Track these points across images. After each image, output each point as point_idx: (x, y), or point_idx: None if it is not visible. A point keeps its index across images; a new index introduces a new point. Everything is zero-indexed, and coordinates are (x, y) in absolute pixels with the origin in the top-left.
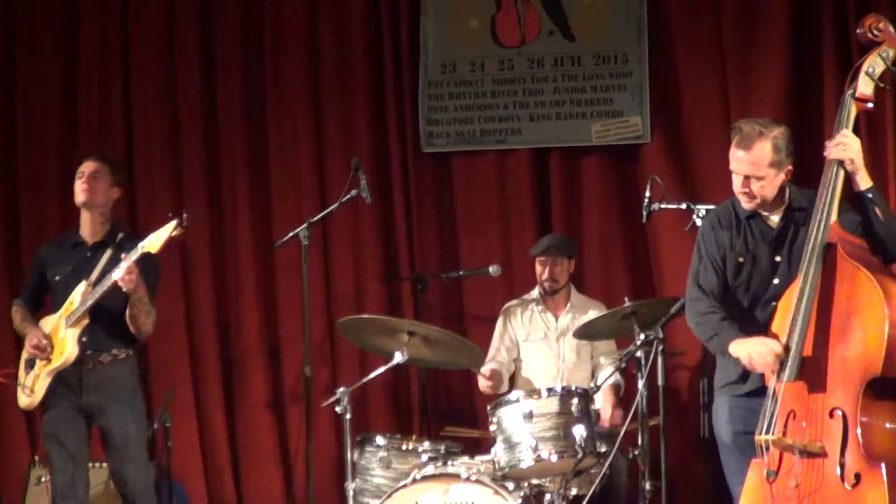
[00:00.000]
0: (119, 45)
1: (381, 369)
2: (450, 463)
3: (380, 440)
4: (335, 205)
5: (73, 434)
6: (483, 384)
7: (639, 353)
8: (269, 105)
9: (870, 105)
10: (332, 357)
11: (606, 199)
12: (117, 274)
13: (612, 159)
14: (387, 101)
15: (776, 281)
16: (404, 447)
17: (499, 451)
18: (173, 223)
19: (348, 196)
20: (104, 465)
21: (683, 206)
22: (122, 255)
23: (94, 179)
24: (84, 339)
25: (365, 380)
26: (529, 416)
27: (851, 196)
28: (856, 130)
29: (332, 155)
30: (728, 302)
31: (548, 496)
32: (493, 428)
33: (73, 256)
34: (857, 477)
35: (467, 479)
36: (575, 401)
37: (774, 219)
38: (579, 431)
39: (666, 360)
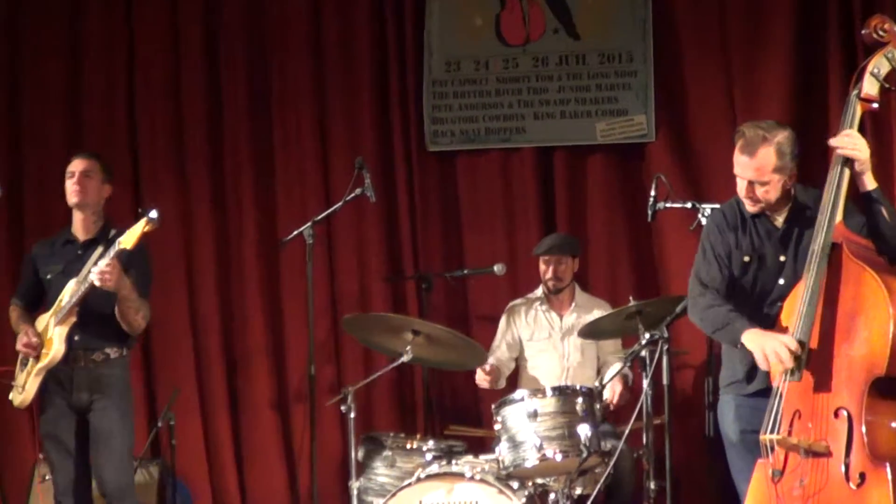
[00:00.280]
0: (123, 43)
1: (386, 368)
2: (454, 462)
3: (384, 439)
4: (340, 203)
5: (70, 432)
6: (480, 377)
7: (644, 353)
8: (273, 103)
9: (875, 105)
10: (337, 356)
11: (611, 198)
12: (93, 274)
13: (617, 158)
14: (391, 99)
15: (781, 281)
16: (408, 446)
17: (503, 450)
18: (144, 219)
19: (353, 195)
20: None
21: (688, 204)
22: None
23: (86, 178)
24: (76, 337)
25: (369, 378)
26: (534, 414)
27: (856, 197)
28: (861, 131)
29: (337, 153)
30: (733, 302)
31: (552, 495)
32: (497, 427)
33: (65, 254)
34: (862, 476)
35: (471, 479)
36: (579, 400)
37: (779, 219)
38: (584, 430)
39: (671, 360)
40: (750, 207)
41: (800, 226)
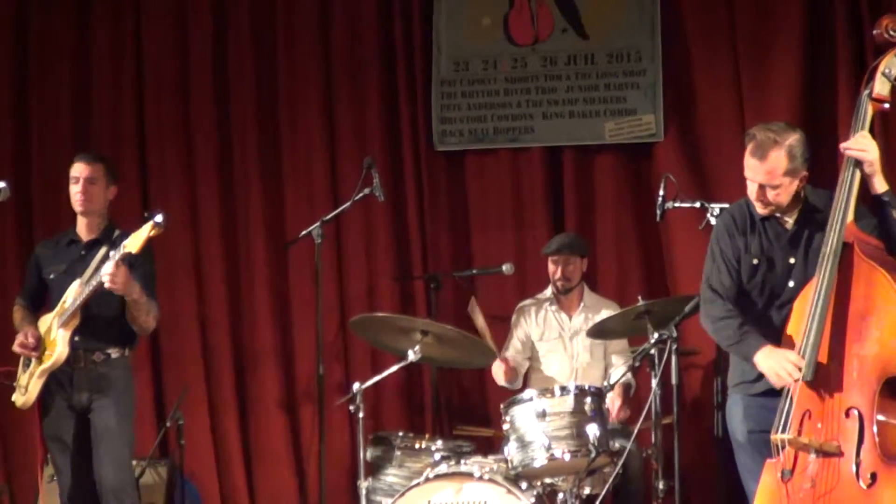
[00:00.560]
0: (131, 45)
1: (394, 368)
2: (463, 462)
3: (393, 439)
4: (348, 203)
5: (73, 433)
6: (498, 369)
7: (652, 352)
8: (281, 104)
9: (886, 105)
10: (345, 356)
11: (620, 198)
12: (104, 279)
13: (626, 158)
14: (400, 99)
15: (791, 283)
16: (417, 446)
17: (512, 450)
18: (150, 223)
19: (361, 194)
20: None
21: (697, 204)
22: (111, 254)
23: (91, 185)
24: (76, 338)
25: (378, 378)
26: (542, 414)
27: (867, 199)
28: (871, 131)
29: (346, 153)
30: (743, 304)
31: (561, 495)
32: (506, 427)
33: (68, 255)
34: (873, 476)
35: (480, 478)
36: (588, 400)
37: (789, 220)
38: (592, 430)
39: (679, 359)
40: (760, 210)
41: (810, 228)
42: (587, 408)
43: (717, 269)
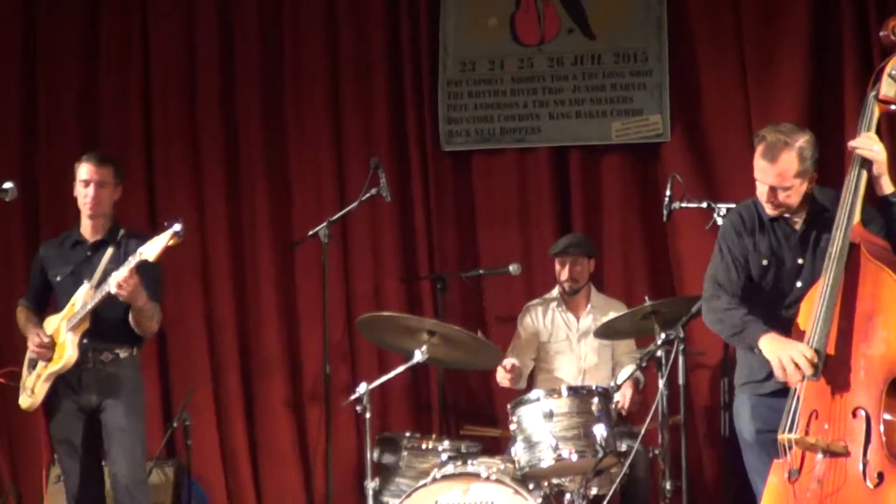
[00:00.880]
0: (138, 45)
1: (401, 368)
2: (469, 462)
3: (399, 439)
4: (355, 203)
5: (81, 435)
6: (502, 375)
7: (659, 353)
8: (288, 104)
9: (893, 107)
10: (352, 356)
11: (626, 198)
12: (112, 285)
13: (632, 158)
14: (406, 99)
15: (799, 284)
16: (424, 446)
17: (519, 451)
18: (171, 232)
19: (368, 195)
20: None
21: (704, 204)
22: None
23: (100, 189)
24: (85, 339)
25: (384, 378)
26: (550, 415)
27: (874, 200)
28: (877, 132)
29: (352, 154)
30: (751, 304)
31: (568, 496)
32: (513, 427)
33: (73, 256)
34: (880, 476)
35: (487, 479)
36: (595, 400)
37: (798, 220)
38: (600, 431)
39: (686, 360)
40: (770, 211)
41: (818, 228)
42: (594, 408)
43: (725, 266)
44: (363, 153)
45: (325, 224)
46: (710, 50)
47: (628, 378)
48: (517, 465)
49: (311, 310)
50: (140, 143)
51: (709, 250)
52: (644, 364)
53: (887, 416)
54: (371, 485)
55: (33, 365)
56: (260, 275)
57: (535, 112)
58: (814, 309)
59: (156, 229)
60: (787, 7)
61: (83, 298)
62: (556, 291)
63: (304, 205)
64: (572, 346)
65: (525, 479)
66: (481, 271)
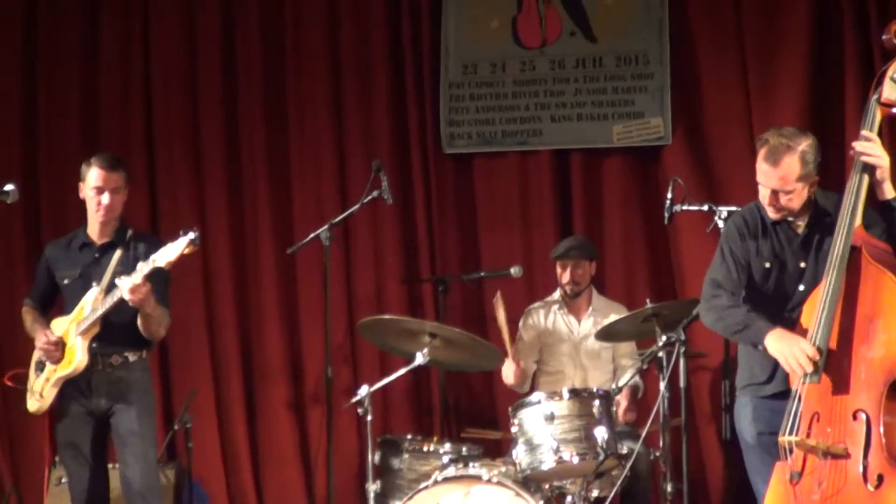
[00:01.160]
0: (140, 46)
1: (402, 370)
2: (471, 464)
3: (401, 441)
4: (356, 206)
5: (88, 439)
6: (508, 368)
7: (660, 355)
8: (290, 106)
9: (895, 110)
10: (353, 358)
11: (628, 201)
12: (124, 291)
13: (634, 161)
14: (408, 101)
15: (801, 287)
16: (425, 448)
17: (520, 453)
18: (186, 240)
19: (370, 197)
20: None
21: (705, 207)
22: (139, 265)
23: (114, 195)
24: (94, 343)
25: (386, 381)
26: (551, 417)
27: (876, 203)
28: (879, 135)
29: (354, 156)
30: (754, 308)
31: (569, 498)
32: (514, 429)
33: (81, 258)
34: (880, 478)
35: (488, 481)
36: (596, 402)
37: (800, 224)
38: (601, 433)
39: (687, 362)
40: (773, 215)
41: (820, 232)
42: (595, 410)
43: (727, 267)
44: (365, 155)
45: (326, 226)
46: (711, 53)
47: (628, 381)
48: (518, 468)
49: (313, 312)
50: (141, 143)
51: (710, 253)
52: (645, 366)
53: (887, 419)
54: (372, 487)
55: (41, 367)
56: (261, 277)
57: (537, 115)
58: (815, 312)
59: (157, 230)
60: (788, 10)
61: (92, 303)
62: (557, 294)
63: (306, 207)
64: (574, 348)
65: (526, 481)
66: (482, 274)
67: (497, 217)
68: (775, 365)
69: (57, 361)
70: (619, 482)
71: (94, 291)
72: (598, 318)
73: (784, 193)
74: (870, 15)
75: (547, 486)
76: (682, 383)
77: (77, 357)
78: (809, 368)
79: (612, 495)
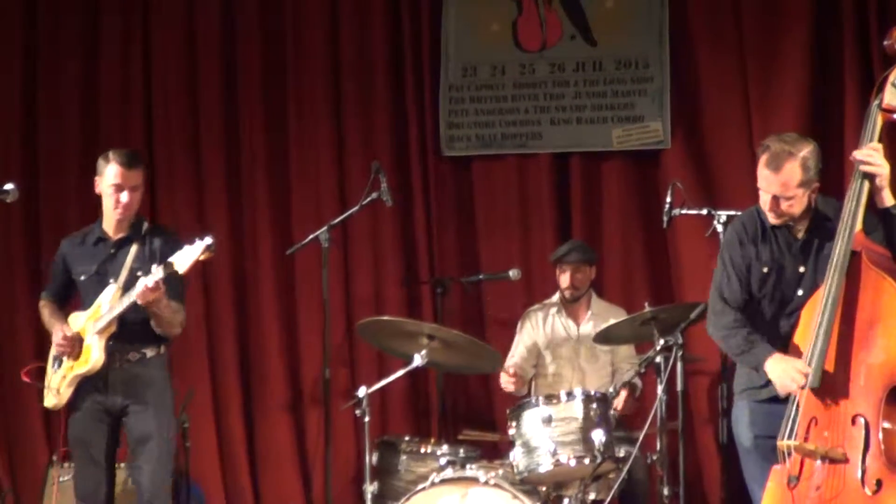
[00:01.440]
0: (140, 47)
1: (401, 372)
2: (468, 466)
3: (398, 443)
4: (356, 207)
5: (99, 437)
6: (506, 380)
7: (658, 359)
8: (289, 108)
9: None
10: (351, 359)
11: (627, 205)
12: (138, 291)
13: (633, 164)
14: (408, 104)
15: (800, 292)
16: (423, 450)
17: (517, 456)
18: (203, 245)
19: (369, 199)
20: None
21: (704, 211)
22: (153, 268)
23: (133, 193)
24: (110, 341)
25: (384, 382)
26: (548, 420)
27: (876, 209)
28: (880, 141)
29: (353, 158)
30: (752, 312)
31: (566, 501)
32: (511, 432)
33: (97, 254)
34: (879, 483)
35: (486, 483)
36: (594, 405)
37: (800, 229)
38: (598, 436)
39: (685, 366)
40: (773, 220)
41: (820, 237)
42: (593, 413)
43: (727, 278)
44: (364, 157)
45: (325, 228)
46: (711, 57)
47: (625, 384)
48: (516, 470)
49: (311, 313)
50: (141, 143)
51: (709, 257)
52: (643, 370)
53: (886, 424)
54: (370, 488)
55: (58, 362)
56: (260, 277)
57: (537, 118)
58: (815, 316)
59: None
60: (789, 15)
61: (110, 301)
62: (556, 297)
63: (305, 208)
64: (572, 351)
65: (523, 483)
66: (481, 276)
67: (496, 220)
68: None
69: (73, 358)
70: (616, 485)
71: (112, 288)
72: (597, 322)
73: (785, 199)
74: (870, 20)
75: (544, 489)
76: (679, 387)
77: (94, 356)
78: (802, 381)
79: (609, 498)
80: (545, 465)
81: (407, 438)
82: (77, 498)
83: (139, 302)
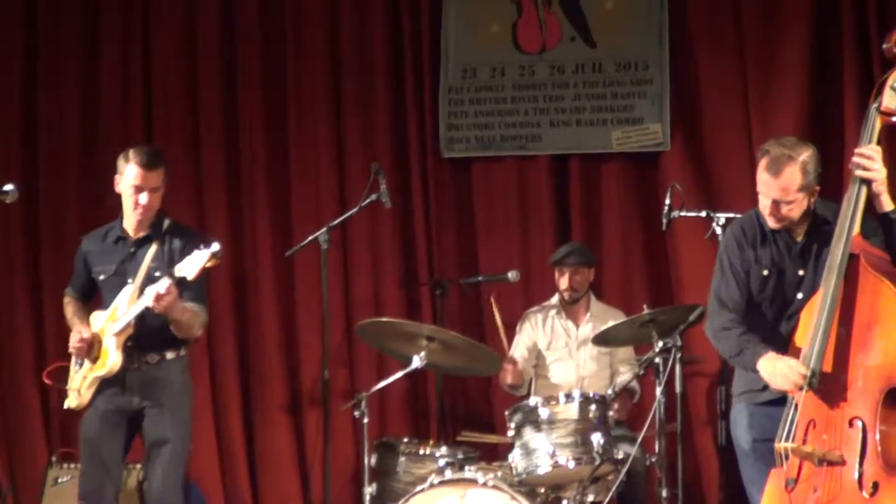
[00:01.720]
0: (140, 48)
1: (399, 374)
2: (467, 468)
3: (397, 445)
4: (355, 209)
5: (109, 438)
6: (507, 369)
7: (657, 360)
8: (289, 110)
9: (895, 119)
10: (350, 361)
11: (626, 206)
12: (149, 299)
13: (632, 166)
14: (407, 105)
15: (800, 295)
16: (421, 452)
17: (516, 457)
18: (208, 253)
19: (368, 200)
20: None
21: (703, 213)
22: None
23: (153, 194)
24: (129, 343)
25: (383, 384)
26: (547, 422)
27: (875, 215)
28: (879, 144)
29: (353, 159)
30: (752, 316)
31: (565, 502)
32: (510, 433)
33: (116, 253)
34: (875, 486)
35: (484, 485)
36: (593, 407)
37: (799, 232)
38: (597, 438)
39: (684, 368)
40: (773, 224)
41: (819, 240)
42: (591, 415)
43: (726, 281)
44: (363, 159)
45: (324, 229)
46: (710, 59)
47: (626, 384)
48: (514, 472)
49: (311, 314)
50: (141, 143)
51: (708, 259)
52: (642, 372)
53: (883, 427)
54: (368, 490)
55: (81, 362)
56: (259, 278)
57: (536, 120)
58: (813, 319)
59: None
60: (788, 17)
61: (127, 303)
62: (555, 299)
63: (304, 210)
64: (571, 353)
65: (522, 485)
66: (480, 278)
67: (495, 221)
68: None
69: (92, 359)
70: (614, 487)
71: (130, 289)
72: (596, 324)
73: (785, 203)
74: (869, 23)
75: (543, 491)
76: (678, 389)
77: (111, 359)
78: (800, 382)
79: (607, 500)
80: (544, 467)
81: (406, 440)
82: (79, 497)
83: (152, 306)
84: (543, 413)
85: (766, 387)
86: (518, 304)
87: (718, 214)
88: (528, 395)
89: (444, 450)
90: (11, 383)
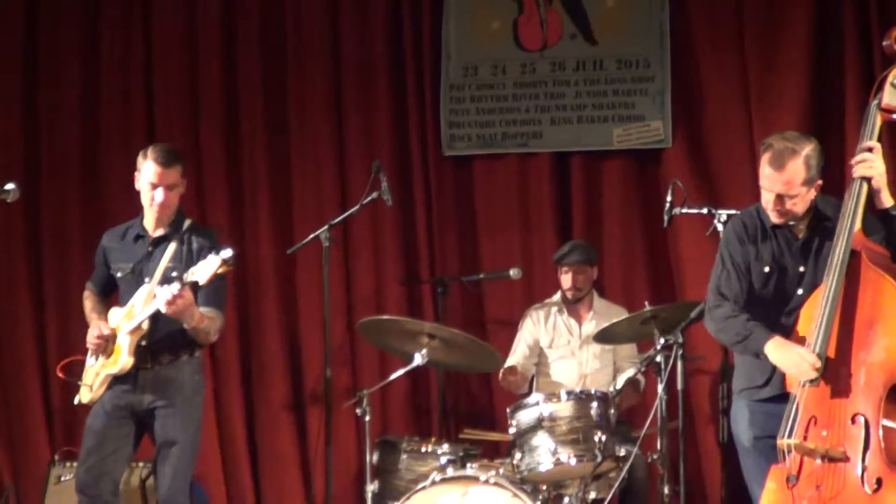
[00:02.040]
0: (141, 48)
1: (401, 371)
2: (468, 465)
3: (399, 442)
4: (356, 207)
5: (114, 433)
6: (510, 381)
7: (658, 358)
8: (290, 107)
9: (895, 116)
10: (352, 359)
11: (627, 204)
12: (160, 303)
13: (634, 163)
14: (408, 103)
15: (800, 291)
16: (423, 449)
17: (518, 454)
18: (219, 260)
19: (369, 198)
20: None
21: (705, 210)
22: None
23: (170, 192)
24: (143, 342)
25: (385, 382)
26: (549, 419)
27: (875, 211)
28: (879, 141)
29: (354, 157)
30: (751, 310)
31: (566, 500)
32: (512, 431)
33: (134, 251)
34: (879, 482)
35: (486, 482)
36: (594, 404)
37: (800, 228)
38: (598, 435)
39: (685, 365)
40: (775, 219)
41: (820, 236)
42: (593, 413)
43: (727, 274)
44: (365, 156)
45: (326, 227)
46: (712, 56)
47: (626, 383)
48: (516, 469)
49: (312, 312)
50: (141, 143)
51: (709, 256)
52: (643, 369)
53: (886, 423)
54: (370, 487)
55: (96, 357)
56: (261, 278)
57: (537, 117)
58: (814, 316)
59: None
60: (790, 14)
61: (142, 302)
62: (557, 296)
63: (306, 208)
64: (574, 351)
65: (524, 482)
66: (482, 275)
67: (497, 219)
68: (772, 369)
69: (107, 355)
70: (616, 484)
71: (146, 289)
72: (599, 322)
73: (789, 198)
74: (871, 20)
75: (544, 488)
76: (679, 386)
77: (123, 357)
78: (812, 375)
79: (609, 497)
80: (545, 464)
81: (407, 437)
82: (76, 489)
83: (164, 310)
84: (545, 410)
85: (766, 383)
86: (520, 301)
87: (720, 211)
88: (529, 393)
89: (445, 447)
90: (14, 382)
